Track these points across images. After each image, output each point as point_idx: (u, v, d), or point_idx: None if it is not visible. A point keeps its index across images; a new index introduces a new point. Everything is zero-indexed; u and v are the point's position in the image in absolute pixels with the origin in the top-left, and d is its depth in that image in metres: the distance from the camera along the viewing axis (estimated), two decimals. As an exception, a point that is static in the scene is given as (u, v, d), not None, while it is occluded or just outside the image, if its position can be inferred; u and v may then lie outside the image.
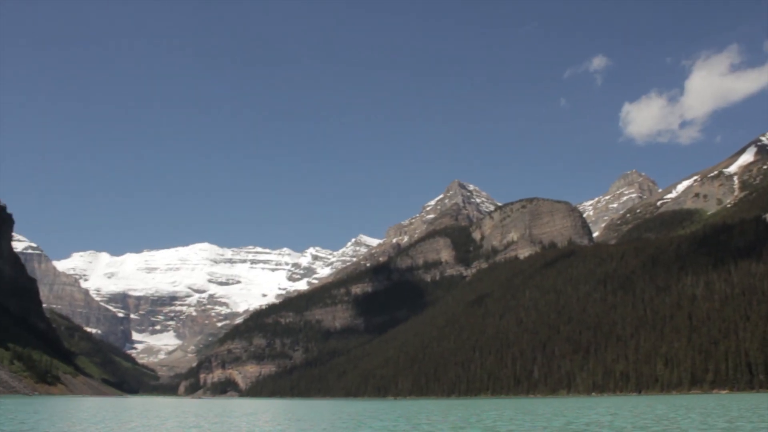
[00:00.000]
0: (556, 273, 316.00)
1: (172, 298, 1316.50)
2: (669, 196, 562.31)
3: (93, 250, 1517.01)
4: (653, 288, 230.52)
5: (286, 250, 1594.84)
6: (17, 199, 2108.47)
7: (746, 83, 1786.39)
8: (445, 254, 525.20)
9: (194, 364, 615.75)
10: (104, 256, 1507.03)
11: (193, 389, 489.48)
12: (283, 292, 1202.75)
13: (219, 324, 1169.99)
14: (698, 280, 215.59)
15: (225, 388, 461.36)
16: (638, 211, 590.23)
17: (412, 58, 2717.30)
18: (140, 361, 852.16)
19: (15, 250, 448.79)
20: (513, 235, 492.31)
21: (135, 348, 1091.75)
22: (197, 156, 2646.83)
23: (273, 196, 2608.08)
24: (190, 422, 50.83)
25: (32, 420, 49.80)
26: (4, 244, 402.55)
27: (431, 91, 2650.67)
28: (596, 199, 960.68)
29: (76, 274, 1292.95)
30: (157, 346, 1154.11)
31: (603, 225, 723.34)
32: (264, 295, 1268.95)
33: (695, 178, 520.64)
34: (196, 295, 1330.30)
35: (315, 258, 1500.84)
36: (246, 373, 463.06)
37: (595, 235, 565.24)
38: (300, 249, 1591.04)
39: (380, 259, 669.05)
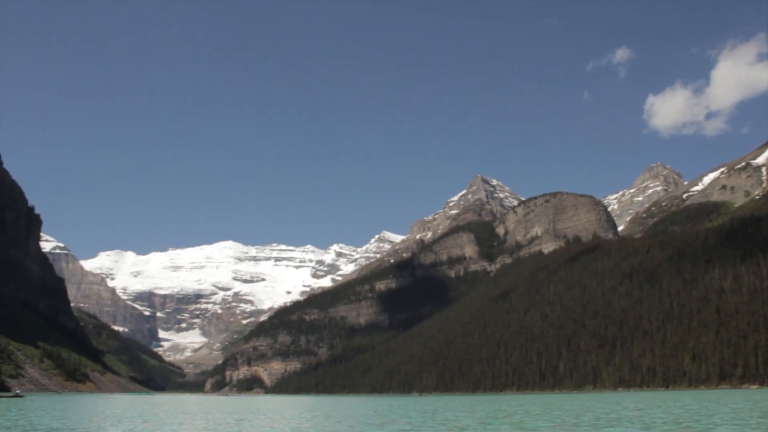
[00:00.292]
0: (581, 267, 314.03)
1: (197, 296, 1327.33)
2: (695, 188, 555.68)
3: (119, 249, 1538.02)
4: (680, 282, 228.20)
5: (309, 247, 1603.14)
6: (45, 201, 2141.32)
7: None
8: (469, 250, 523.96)
9: (220, 362, 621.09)
10: (130, 255, 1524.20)
11: (219, 386, 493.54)
12: (308, 289, 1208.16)
13: (244, 321, 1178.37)
14: (726, 273, 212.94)
15: (251, 385, 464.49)
16: (664, 204, 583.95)
17: (435, 54, 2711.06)
18: (166, 359, 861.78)
19: (43, 250, 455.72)
20: (537, 230, 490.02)
21: (161, 346, 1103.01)
22: (221, 155, 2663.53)
23: (296, 193, 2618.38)
24: (254, 420, 51.06)
25: (77, 418, 50.34)
26: (33, 244, 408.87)
27: (453, 87, 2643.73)
28: (621, 192, 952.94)
29: (103, 274, 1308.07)
30: (183, 343, 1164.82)
31: (628, 219, 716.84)
32: (288, 293, 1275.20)
33: (722, 170, 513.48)
34: (221, 293, 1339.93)
35: (339, 255, 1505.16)
36: (271, 370, 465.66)
37: (620, 229, 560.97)
38: (324, 246, 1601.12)
39: (404, 255, 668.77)
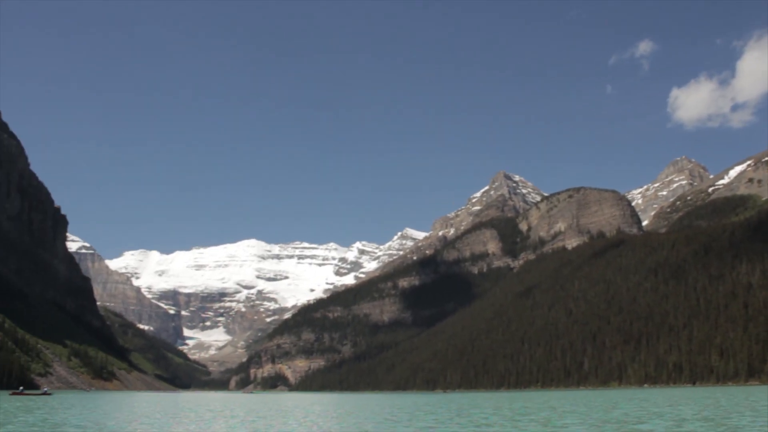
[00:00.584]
0: (606, 263, 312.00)
1: (221, 295, 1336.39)
2: (721, 182, 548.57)
3: (144, 248, 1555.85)
4: (706, 277, 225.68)
5: (332, 244, 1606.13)
6: (71, 201, 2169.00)
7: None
8: (492, 246, 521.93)
9: (244, 359, 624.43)
10: (155, 255, 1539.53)
11: (244, 384, 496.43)
12: (331, 286, 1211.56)
13: (268, 319, 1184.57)
14: (754, 268, 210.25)
15: (275, 382, 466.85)
16: (689, 198, 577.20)
17: (457, 50, 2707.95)
18: (191, 357, 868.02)
19: (69, 250, 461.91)
20: (560, 226, 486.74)
21: (186, 344, 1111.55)
22: (244, 154, 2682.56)
23: (319, 191, 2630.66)
24: (308, 418, 51.27)
25: (121, 417, 50.78)
26: (60, 244, 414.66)
27: (475, 82, 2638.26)
28: (645, 186, 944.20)
29: (128, 273, 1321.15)
30: (208, 341, 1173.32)
31: (652, 213, 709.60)
32: (311, 290, 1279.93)
33: (748, 162, 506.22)
34: (245, 291, 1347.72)
35: (361, 252, 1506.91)
36: (295, 367, 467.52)
37: (644, 223, 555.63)
38: (346, 243, 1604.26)
39: (427, 252, 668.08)
